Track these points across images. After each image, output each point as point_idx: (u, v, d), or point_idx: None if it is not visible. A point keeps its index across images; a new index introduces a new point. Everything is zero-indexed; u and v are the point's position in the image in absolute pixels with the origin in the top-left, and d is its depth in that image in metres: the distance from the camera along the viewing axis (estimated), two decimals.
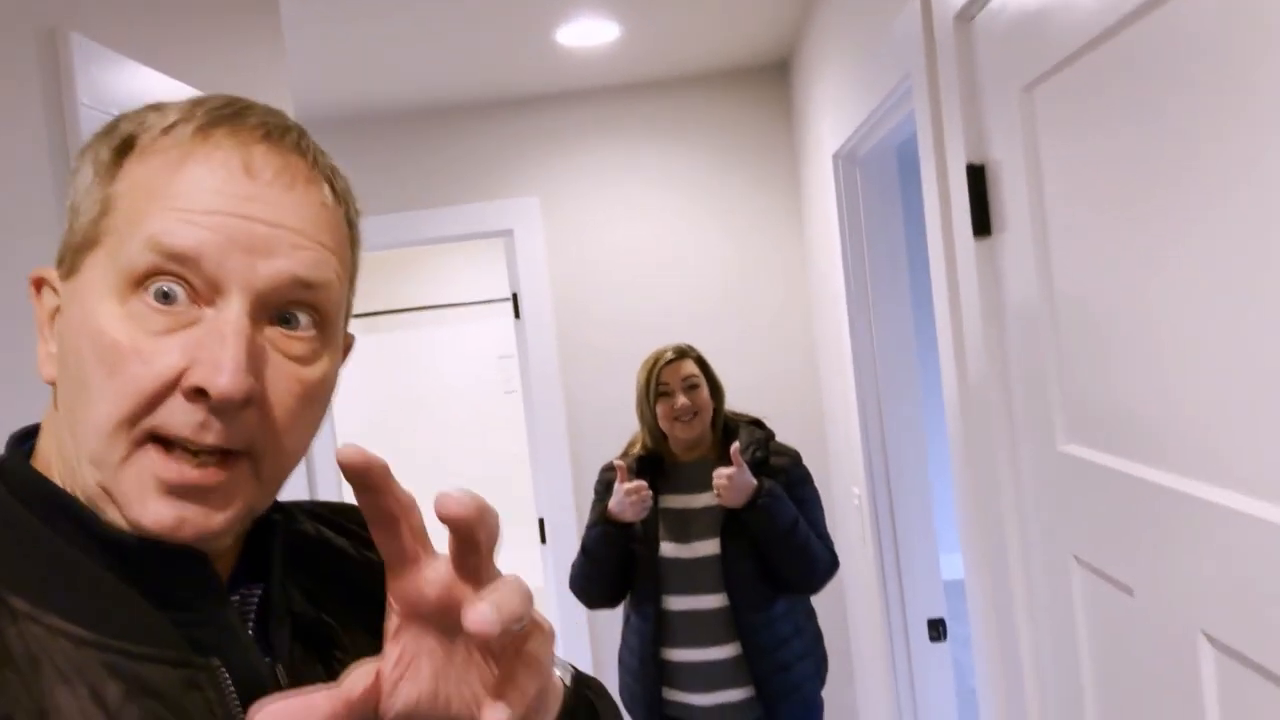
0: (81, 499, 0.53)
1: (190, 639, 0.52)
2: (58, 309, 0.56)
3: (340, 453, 0.44)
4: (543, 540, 3.13)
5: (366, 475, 0.45)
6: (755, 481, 2.00)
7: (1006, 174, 1.23)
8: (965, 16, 1.29)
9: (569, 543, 2.97)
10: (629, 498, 2.02)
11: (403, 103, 2.99)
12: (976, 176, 1.31)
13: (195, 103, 0.56)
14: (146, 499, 0.51)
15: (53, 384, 0.56)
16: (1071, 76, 1.03)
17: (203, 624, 0.53)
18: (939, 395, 1.57)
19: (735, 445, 1.99)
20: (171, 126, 0.54)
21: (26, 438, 0.59)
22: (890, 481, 2.39)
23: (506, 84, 2.92)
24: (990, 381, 1.32)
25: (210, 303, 0.52)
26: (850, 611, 2.98)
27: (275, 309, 0.54)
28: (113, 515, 0.52)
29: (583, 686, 0.61)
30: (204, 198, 0.52)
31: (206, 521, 0.52)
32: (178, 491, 0.51)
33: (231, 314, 0.51)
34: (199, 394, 0.50)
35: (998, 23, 1.20)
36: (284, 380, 0.54)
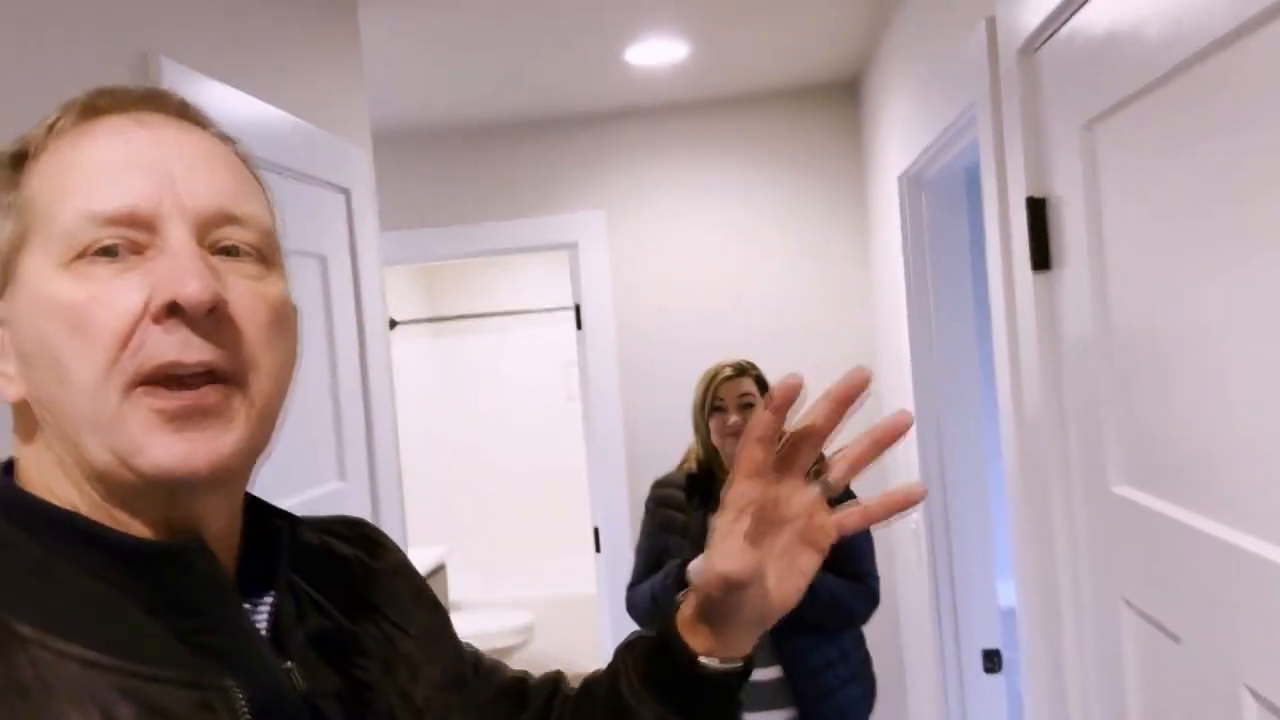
0: (82, 511, 0.53)
1: (203, 647, 0.52)
2: (2, 330, 0.55)
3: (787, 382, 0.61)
4: (597, 549, 3.16)
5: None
6: None
7: (1067, 209, 1.22)
8: (1029, 49, 1.28)
9: (623, 552, 3.00)
10: None
11: (474, 118, 3.06)
12: (1037, 210, 1.30)
13: (68, 101, 0.57)
14: (152, 439, 0.51)
15: (21, 405, 0.55)
16: (1136, 113, 1.01)
17: (215, 629, 0.53)
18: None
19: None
20: (55, 123, 0.55)
21: (8, 469, 0.58)
22: (948, 508, 2.36)
23: (576, 101, 2.97)
24: (1046, 418, 1.31)
25: (150, 245, 0.52)
26: (904, 637, 2.94)
27: (213, 242, 0.54)
28: (119, 499, 0.52)
29: None
30: (116, 156, 0.53)
31: (216, 446, 0.52)
32: (180, 419, 0.51)
33: (177, 238, 0.52)
34: (171, 311, 0.50)
35: (1062, 57, 1.19)
36: (246, 296, 0.54)
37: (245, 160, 0.60)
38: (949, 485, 2.35)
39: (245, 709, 0.51)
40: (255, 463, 0.57)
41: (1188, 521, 0.94)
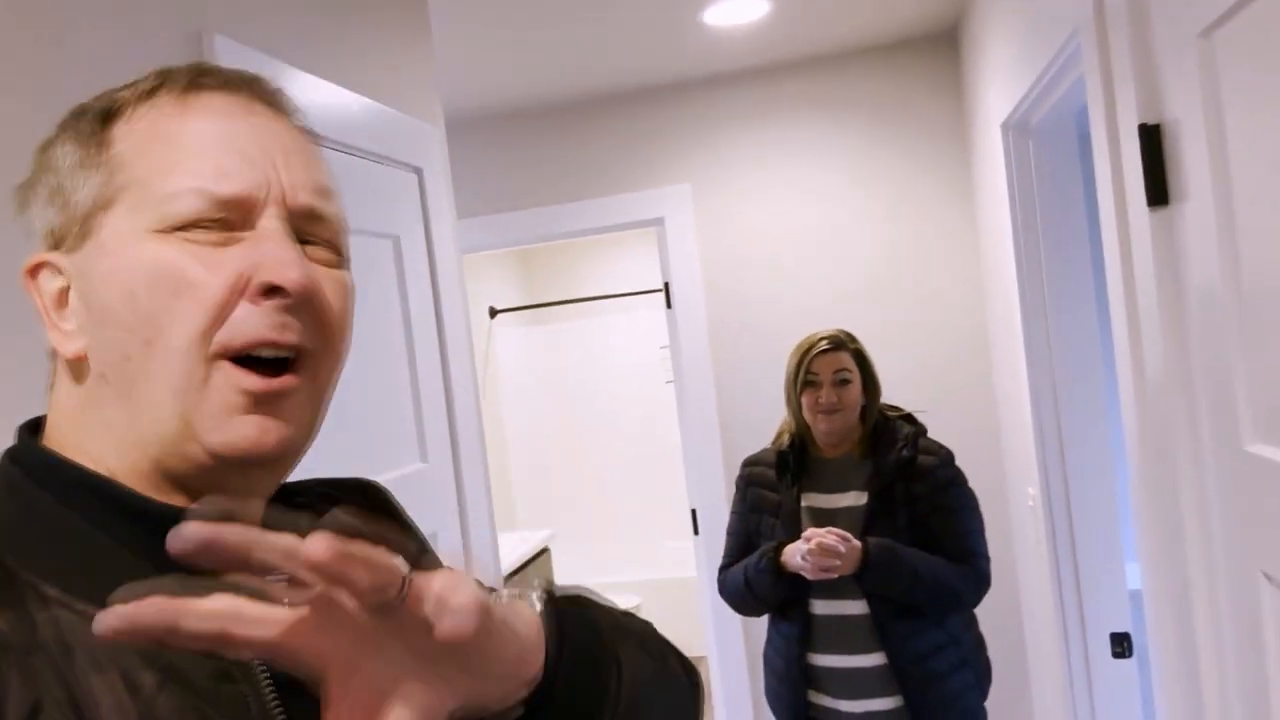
0: (115, 478, 0.53)
1: None
2: (66, 288, 0.55)
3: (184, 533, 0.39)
4: (695, 531, 3.10)
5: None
6: (859, 544, 1.88)
7: (1186, 134, 1.08)
8: None
9: (720, 534, 2.92)
10: (816, 560, 1.87)
11: (550, 96, 3.01)
12: (1151, 137, 1.16)
13: (163, 71, 0.57)
14: (231, 417, 0.52)
15: (75, 361, 0.55)
16: (1259, 13, 0.88)
17: None
18: None
19: (821, 537, 1.86)
20: (154, 90, 0.56)
21: (36, 428, 0.58)
22: (1068, 482, 2.19)
23: (654, 70, 2.89)
24: (1167, 370, 1.17)
25: (248, 226, 0.54)
26: (1025, 621, 2.77)
27: (298, 232, 0.56)
28: (174, 459, 0.52)
29: (568, 606, 0.54)
30: (223, 140, 0.55)
31: (285, 430, 0.54)
32: (260, 402, 0.53)
33: (273, 226, 0.54)
34: (271, 292, 0.52)
35: None
36: (329, 283, 0.57)
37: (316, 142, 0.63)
38: (1069, 455, 2.18)
39: (267, 681, 0.51)
40: (310, 438, 0.58)
41: None
